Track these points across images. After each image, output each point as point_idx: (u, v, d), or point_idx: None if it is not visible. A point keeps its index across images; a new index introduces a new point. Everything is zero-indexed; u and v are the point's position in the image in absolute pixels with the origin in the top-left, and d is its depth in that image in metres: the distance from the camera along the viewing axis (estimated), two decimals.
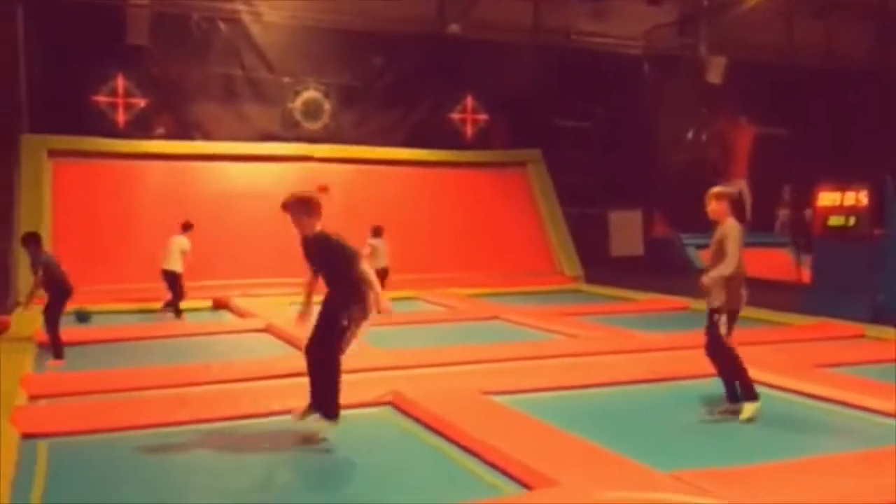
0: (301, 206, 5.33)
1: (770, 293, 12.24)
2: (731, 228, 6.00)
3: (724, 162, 19.18)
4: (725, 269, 5.90)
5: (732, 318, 6.03)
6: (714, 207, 6.12)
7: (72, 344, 8.87)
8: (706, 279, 5.96)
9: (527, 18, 17.72)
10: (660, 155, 18.56)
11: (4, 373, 7.02)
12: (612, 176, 17.45)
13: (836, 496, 4.08)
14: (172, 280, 11.11)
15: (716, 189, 6.25)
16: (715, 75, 18.42)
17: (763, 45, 18.10)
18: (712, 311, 6.05)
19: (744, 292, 6.10)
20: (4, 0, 14.21)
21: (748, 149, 19.26)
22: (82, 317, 10.63)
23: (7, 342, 8.73)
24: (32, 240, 8.56)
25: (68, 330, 9.53)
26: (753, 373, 6.98)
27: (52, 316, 8.15)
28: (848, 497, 4.09)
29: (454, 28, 16.97)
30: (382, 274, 11.73)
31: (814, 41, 16.96)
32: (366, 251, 11.62)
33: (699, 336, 8.95)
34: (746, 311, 10.97)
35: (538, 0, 17.59)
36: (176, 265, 11.06)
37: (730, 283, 5.95)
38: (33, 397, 6.31)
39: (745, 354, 7.68)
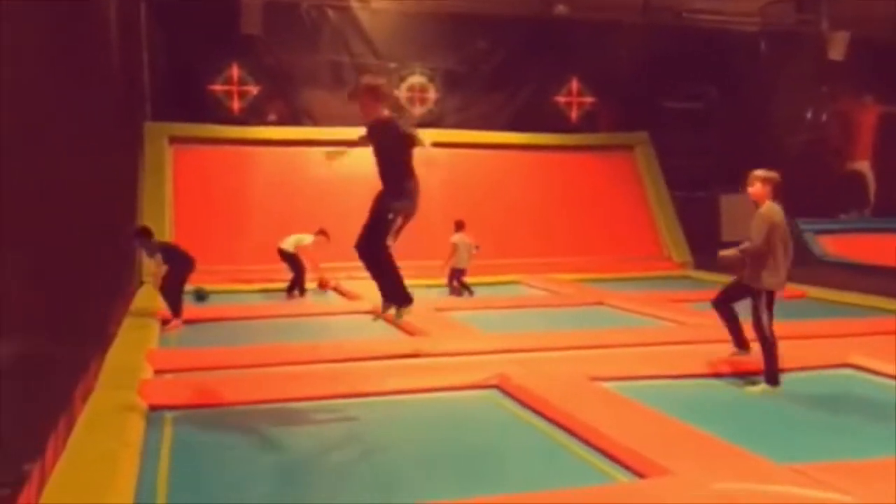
0: (368, 93, 5.93)
1: (895, 281, 11.60)
2: (766, 210, 6.35)
3: (845, 143, 18.20)
4: (746, 245, 6.31)
5: (768, 299, 6.28)
6: (756, 189, 6.44)
7: (193, 321, 9.33)
8: (722, 252, 6.50)
9: None
10: (776, 136, 17.74)
11: (131, 348, 7.44)
12: (725, 158, 16.82)
13: None
14: (290, 260, 11.53)
15: (760, 172, 6.51)
16: (837, 52, 17.45)
17: (889, 19, 17.01)
18: (752, 290, 6.33)
19: (782, 276, 6.34)
20: None
21: (872, 129, 18.19)
22: (201, 296, 11.13)
23: (132, 318, 9.22)
24: (141, 234, 9.11)
25: (188, 308, 10.04)
26: (876, 363, 6.65)
27: (173, 285, 8.67)
28: None
29: (561, 9, 16.69)
30: (460, 274, 11.68)
31: None
32: (448, 250, 11.65)
33: (818, 326, 8.64)
34: (867, 300, 10.51)
35: None
36: (290, 246, 11.47)
37: (761, 263, 6.22)
38: (158, 371, 6.65)
39: (869, 345, 7.34)
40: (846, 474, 4.06)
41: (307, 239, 11.63)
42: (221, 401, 5.83)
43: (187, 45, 15.21)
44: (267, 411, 5.69)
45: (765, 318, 6.29)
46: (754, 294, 6.33)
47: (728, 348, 6.95)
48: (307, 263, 11.62)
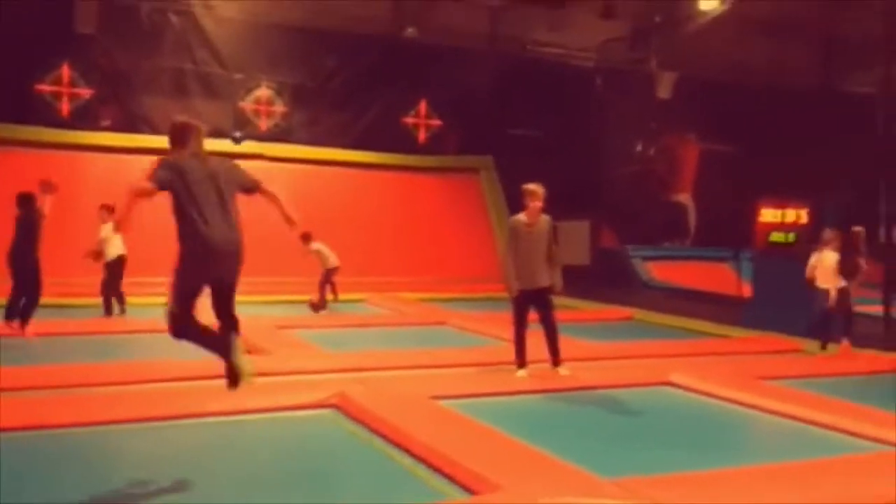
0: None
1: (712, 306, 12.58)
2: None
3: (670, 176, 19.57)
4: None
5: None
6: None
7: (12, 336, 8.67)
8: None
9: (483, 25, 17.82)
10: (609, 167, 18.85)
11: None
12: (562, 186, 17.57)
13: None
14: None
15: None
16: (664, 90, 18.79)
17: (713, 62, 18.51)
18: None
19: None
20: None
21: (694, 164, 19.67)
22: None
23: None
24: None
25: (32, 323, 9.32)
26: (692, 382, 7.15)
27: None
28: None
29: (411, 31, 16.96)
30: (332, 273, 11.73)
31: (762, 60, 17.39)
32: (314, 258, 11.63)
33: (642, 346, 9.19)
34: (688, 322, 11.31)
35: (495, 8, 17.70)
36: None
37: None
38: None
39: (687, 364, 7.88)
40: (664, 486, 4.31)
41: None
42: (38, 423, 5.41)
43: (13, 40, 14.14)
44: (91, 434, 5.34)
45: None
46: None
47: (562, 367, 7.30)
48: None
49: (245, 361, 4.75)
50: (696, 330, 10.91)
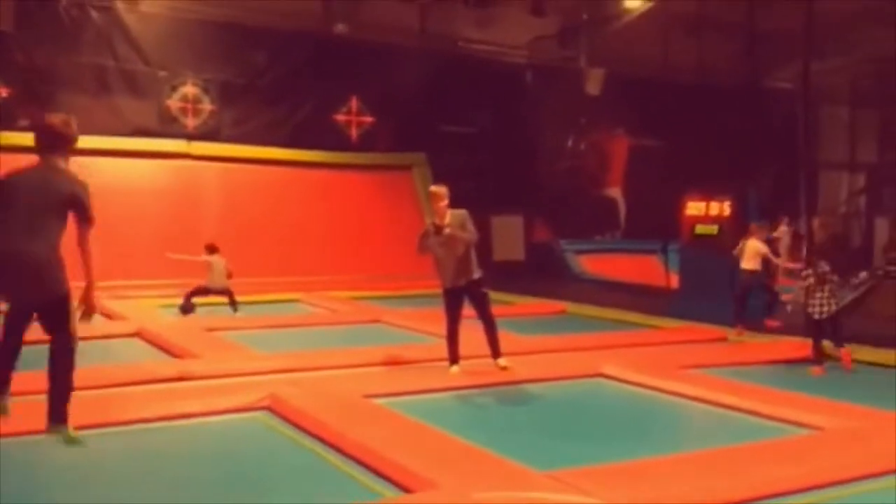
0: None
1: (641, 297, 12.82)
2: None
3: (600, 171, 19.88)
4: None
5: None
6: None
7: None
8: None
9: (414, 22, 17.77)
10: (542, 162, 19.05)
11: None
12: (496, 182, 17.74)
13: (702, 491, 4.27)
14: None
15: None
16: (593, 87, 19.03)
17: (640, 59, 18.85)
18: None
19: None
20: None
21: (623, 159, 20.02)
22: None
23: None
24: None
25: None
26: (623, 373, 7.28)
27: None
28: (715, 492, 4.29)
29: (341, 27, 16.79)
30: (206, 293, 11.35)
31: (687, 56, 17.77)
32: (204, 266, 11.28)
33: (574, 339, 9.31)
34: (619, 314, 11.50)
35: (425, 5, 17.68)
36: None
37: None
38: None
39: (618, 356, 8.02)
40: (597, 477, 4.37)
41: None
42: None
43: None
44: (9, 445, 5.12)
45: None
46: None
47: (486, 362, 7.33)
48: None
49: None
50: (626, 321, 11.11)
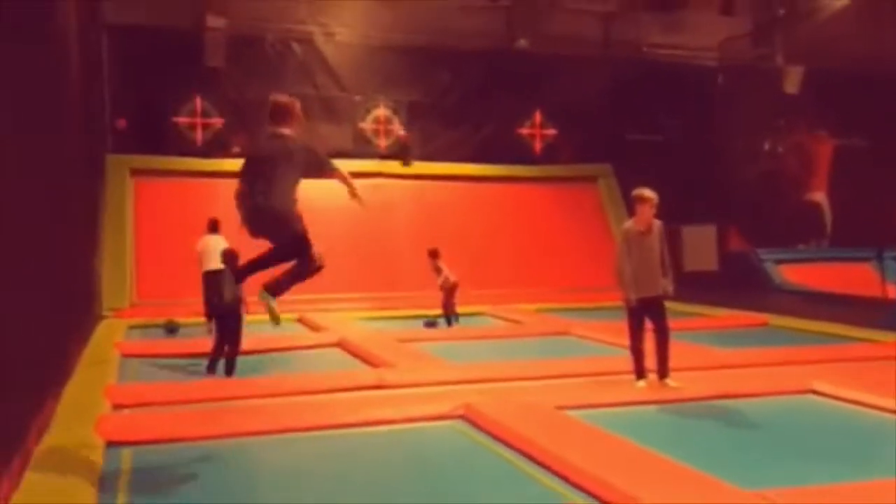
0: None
1: (853, 309, 11.81)
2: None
3: (802, 175, 18.62)
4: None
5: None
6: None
7: (157, 356, 9.18)
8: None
9: (597, 32, 17.60)
10: (735, 168, 18.12)
11: (89, 383, 7.26)
12: (686, 190, 17.11)
13: None
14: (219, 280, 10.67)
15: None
16: (792, 85, 17.93)
17: (842, 53, 17.56)
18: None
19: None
20: (90, 27, 14.85)
21: (827, 161, 18.65)
22: (171, 328, 10.94)
23: (91, 353, 9.03)
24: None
25: (157, 342, 9.88)
26: (837, 389, 6.73)
27: None
28: None
29: (522, 43, 16.96)
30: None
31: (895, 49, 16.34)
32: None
33: (780, 353, 8.74)
34: (828, 327, 10.64)
35: (608, 13, 17.46)
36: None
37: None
38: (117, 406, 6.50)
39: (830, 371, 7.44)
40: (809, 499, 4.07)
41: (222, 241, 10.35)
42: (180, 436, 5.70)
43: (150, 78, 15.14)
44: (226, 446, 5.57)
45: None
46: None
47: (681, 375, 7.04)
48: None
49: None
50: (837, 334, 10.27)
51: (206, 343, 10.17)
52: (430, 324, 11.53)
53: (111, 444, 5.43)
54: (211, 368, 8.12)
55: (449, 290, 11.71)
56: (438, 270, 11.76)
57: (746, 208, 17.63)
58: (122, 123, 10.84)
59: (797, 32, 17.38)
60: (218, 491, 4.72)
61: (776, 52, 17.82)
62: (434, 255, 11.86)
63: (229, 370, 7.97)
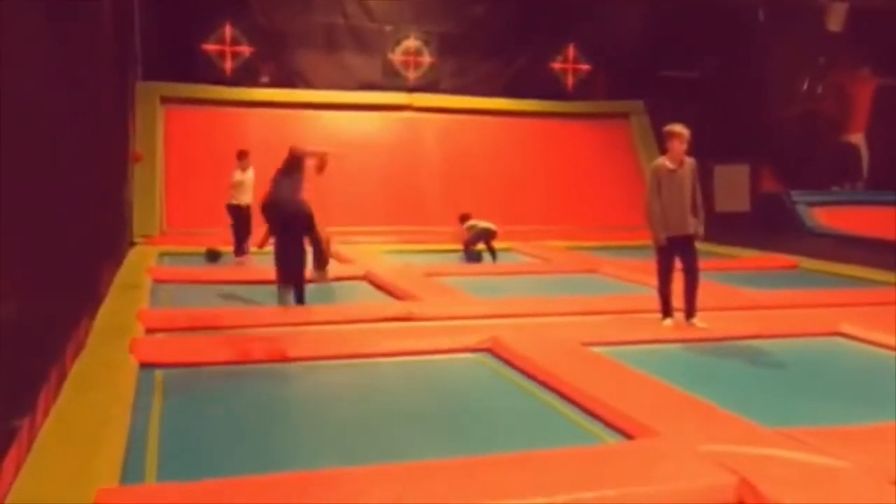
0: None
1: (887, 253, 11.62)
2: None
3: (841, 115, 18.15)
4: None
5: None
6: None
7: (187, 282, 9.35)
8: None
9: None
10: (771, 108, 17.69)
11: (122, 307, 7.42)
12: (720, 129, 16.78)
13: None
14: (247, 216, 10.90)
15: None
16: (834, 23, 17.33)
17: None
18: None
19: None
20: None
21: (868, 102, 18.13)
22: (213, 256, 11.03)
23: (123, 277, 9.20)
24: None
25: (189, 269, 10.03)
26: (865, 332, 6.68)
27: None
28: None
29: None
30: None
31: None
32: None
33: (809, 295, 8.68)
34: (860, 271, 10.50)
35: None
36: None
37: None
38: (150, 330, 6.64)
39: (860, 315, 7.37)
40: (834, 438, 4.08)
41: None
42: (212, 359, 5.83)
43: (179, 4, 15.00)
44: (257, 371, 5.69)
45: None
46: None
47: (709, 315, 7.04)
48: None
49: None
50: (868, 279, 10.16)
51: (236, 271, 10.37)
52: (474, 257, 11.62)
53: (145, 366, 5.57)
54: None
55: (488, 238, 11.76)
56: (471, 228, 11.73)
57: (781, 148, 17.28)
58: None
59: None
60: (246, 412, 4.84)
61: None
62: (464, 219, 11.83)
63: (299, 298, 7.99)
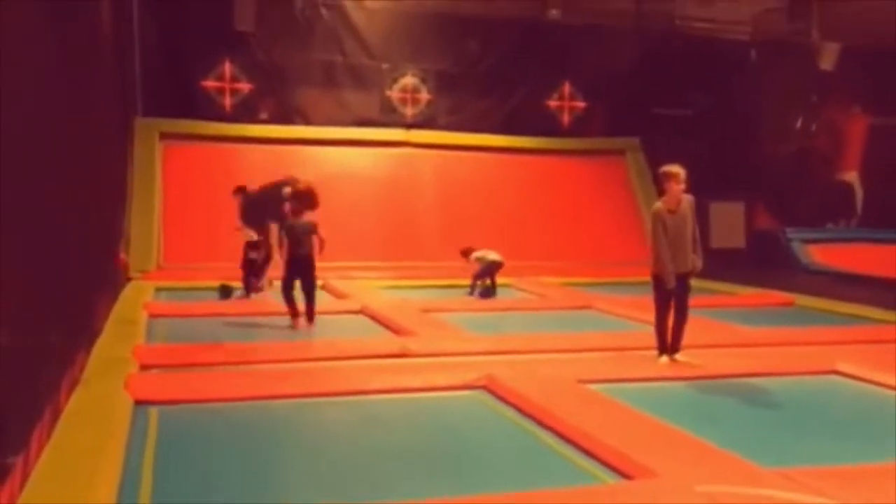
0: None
1: (884, 291, 11.67)
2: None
3: (834, 153, 18.32)
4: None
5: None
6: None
7: (184, 317, 9.33)
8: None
9: (629, 3, 17.33)
10: (765, 145, 17.87)
11: (118, 342, 7.40)
12: (714, 166, 16.90)
13: None
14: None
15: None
16: (827, 62, 17.59)
17: (880, 30, 17.15)
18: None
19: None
20: None
21: (861, 140, 18.33)
22: (226, 291, 10.92)
23: (119, 312, 9.18)
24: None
25: (184, 304, 10.01)
26: (862, 371, 6.68)
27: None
28: None
29: (554, 14, 16.75)
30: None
31: None
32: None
33: (805, 333, 8.68)
34: (856, 309, 10.52)
35: None
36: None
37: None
38: (145, 366, 6.62)
39: (856, 353, 7.38)
40: (831, 479, 4.07)
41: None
42: (207, 396, 5.80)
43: (180, 41, 15.18)
44: (251, 408, 5.67)
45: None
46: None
47: (705, 353, 7.03)
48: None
49: None
50: (865, 316, 10.16)
51: (234, 305, 10.36)
52: (486, 293, 11.59)
53: (139, 403, 5.54)
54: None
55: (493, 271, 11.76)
56: (478, 260, 11.74)
57: (776, 186, 17.42)
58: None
59: (833, 8, 16.99)
60: (241, 451, 4.81)
61: (812, 27, 17.46)
62: (466, 253, 11.87)
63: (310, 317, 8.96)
